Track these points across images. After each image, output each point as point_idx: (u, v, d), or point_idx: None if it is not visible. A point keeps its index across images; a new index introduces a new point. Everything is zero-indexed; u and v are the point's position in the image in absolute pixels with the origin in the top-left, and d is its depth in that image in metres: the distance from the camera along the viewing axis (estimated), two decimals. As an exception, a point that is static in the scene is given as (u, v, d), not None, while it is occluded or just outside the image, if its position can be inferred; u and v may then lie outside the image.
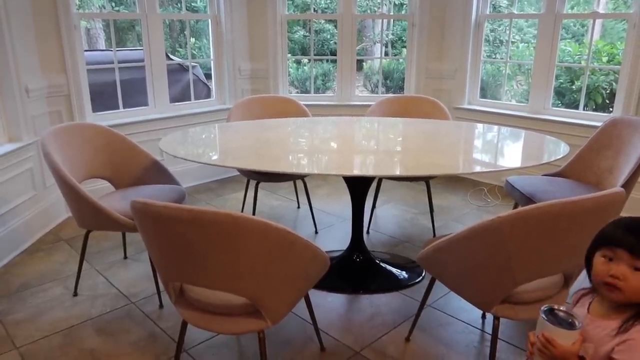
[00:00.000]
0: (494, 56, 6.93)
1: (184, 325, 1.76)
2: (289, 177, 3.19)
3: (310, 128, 3.05)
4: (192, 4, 7.38)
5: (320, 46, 7.71)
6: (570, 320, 1.04)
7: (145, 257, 2.94)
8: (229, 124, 3.16)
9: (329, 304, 2.45)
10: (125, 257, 2.95)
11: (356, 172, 2.35)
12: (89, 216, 2.31)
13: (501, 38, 7.07)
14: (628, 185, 2.38)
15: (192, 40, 7.92)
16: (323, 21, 8.10)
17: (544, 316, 1.04)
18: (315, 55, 5.75)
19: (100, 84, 4.14)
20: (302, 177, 3.18)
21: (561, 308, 1.06)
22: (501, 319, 1.78)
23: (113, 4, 7.29)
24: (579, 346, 1.01)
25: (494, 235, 1.55)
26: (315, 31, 7.93)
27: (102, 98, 4.03)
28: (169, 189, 2.65)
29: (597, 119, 3.59)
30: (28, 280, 2.68)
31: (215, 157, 2.51)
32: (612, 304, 1.04)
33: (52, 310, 2.40)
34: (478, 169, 2.53)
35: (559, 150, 2.37)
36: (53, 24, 3.29)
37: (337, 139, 2.86)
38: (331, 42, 8.28)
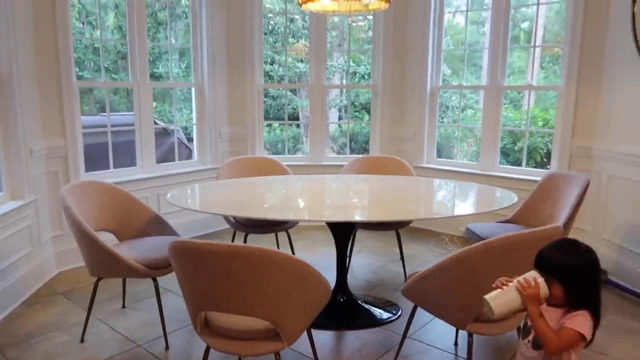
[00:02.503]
0: (447, 120, 7.64)
1: (206, 353, 2.01)
2: (275, 228, 3.51)
3: (295, 184, 3.43)
4: (154, 70, 7.82)
5: (278, 110, 8.22)
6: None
7: (144, 305, 3.15)
8: (221, 181, 3.49)
9: (320, 340, 2.73)
10: (124, 307, 3.13)
11: (340, 218, 2.73)
12: (104, 264, 2.55)
13: (451, 104, 7.82)
14: (566, 227, 2.87)
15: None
16: (281, 88, 8.67)
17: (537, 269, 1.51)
18: (286, 120, 6.24)
19: (89, 145, 4.39)
20: (288, 228, 3.52)
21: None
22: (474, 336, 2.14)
23: (112, 74, 7.69)
24: (541, 300, 1.47)
25: (465, 264, 1.94)
26: (273, 97, 8.47)
27: (89, 159, 4.27)
28: (170, 239, 2.91)
29: (537, 174, 4.16)
30: (32, 330, 2.82)
31: (216, 209, 2.83)
32: None
33: (62, 357, 2.55)
34: (441, 214, 2.97)
35: (510, 199, 2.84)
36: (56, 91, 3.59)
37: (320, 192, 3.25)
38: (289, 106, 8.84)
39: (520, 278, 1.50)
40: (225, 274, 1.75)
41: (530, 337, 1.56)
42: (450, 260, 1.97)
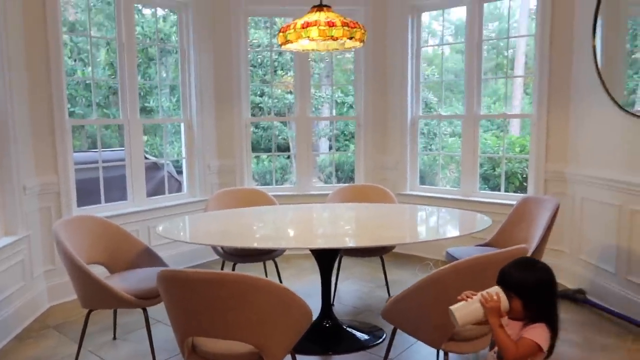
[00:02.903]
0: (430, 148, 7.86)
1: (194, 378, 2.10)
2: (263, 257, 3.61)
3: (282, 214, 3.56)
4: (145, 105, 8.00)
5: (269, 141, 8.40)
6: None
7: (134, 337, 3.22)
8: (210, 212, 3.61)
9: (307, 365, 2.82)
10: (115, 338, 3.20)
11: (324, 245, 2.85)
12: (96, 296, 2.64)
13: (439, 131, 8.06)
14: (539, 248, 3.01)
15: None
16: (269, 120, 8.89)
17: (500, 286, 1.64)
18: (273, 151, 6.38)
19: (80, 180, 4.51)
20: (275, 256, 3.62)
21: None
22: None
23: (103, 109, 7.86)
24: (502, 313, 1.60)
25: (437, 285, 2.07)
26: (263, 128, 8.66)
27: (81, 194, 4.38)
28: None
29: (514, 198, 4.29)
30: (24, 364, 2.89)
31: (205, 239, 2.95)
32: None
33: (54, 387, 2.62)
34: (419, 239, 3.11)
35: (484, 222, 2.99)
36: (48, 129, 3.72)
37: (307, 221, 3.38)
38: (279, 137, 9.04)
39: (484, 292, 1.63)
40: (211, 301, 1.86)
41: (496, 349, 1.68)
42: (423, 282, 2.10)
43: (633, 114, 3.25)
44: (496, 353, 1.68)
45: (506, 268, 1.69)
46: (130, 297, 2.61)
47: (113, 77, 7.02)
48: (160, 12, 6.77)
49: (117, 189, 4.50)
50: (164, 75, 6.90)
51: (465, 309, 1.61)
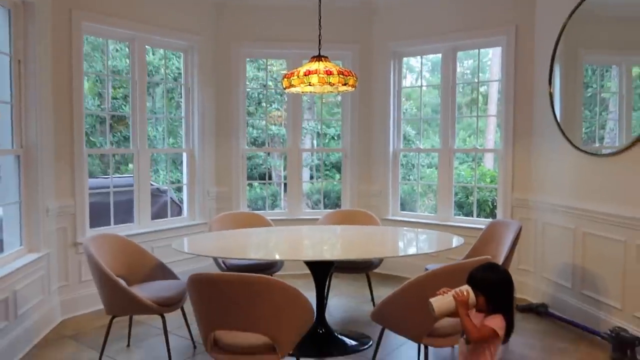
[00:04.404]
0: (408, 177, 8.41)
1: (214, 368, 2.49)
2: (261, 273, 4.01)
3: (278, 234, 4.00)
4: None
5: (252, 169, 8.84)
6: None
7: (146, 345, 3.57)
8: (218, 232, 4.03)
9: (304, 366, 3.21)
10: (129, 345, 3.55)
11: (319, 258, 3.29)
12: (121, 303, 3.02)
13: (413, 162, 8.63)
14: (505, 264, 3.48)
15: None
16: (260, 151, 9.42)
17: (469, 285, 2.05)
18: (267, 179, 6.83)
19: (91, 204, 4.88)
20: (273, 273, 4.02)
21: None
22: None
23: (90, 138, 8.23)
24: (469, 305, 2.02)
25: (418, 288, 2.52)
26: (248, 157, 9.13)
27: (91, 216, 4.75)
28: (175, 283, 3.40)
29: (486, 223, 4.82)
30: (50, 367, 3.22)
31: (213, 253, 3.36)
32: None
33: (80, 385, 2.96)
34: (403, 253, 3.57)
35: (457, 241, 3.48)
36: (68, 158, 4.13)
37: (300, 240, 3.82)
38: (262, 166, 9.50)
39: (457, 289, 2.08)
40: (233, 298, 2.28)
41: (465, 335, 2.12)
42: (407, 285, 2.55)
43: (582, 150, 3.81)
44: (464, 338, 2.13)
45: (474, 270, 2.15)
46: (152, 304, 3.00)
47: (102, 107, 7.42)
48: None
49: (124, 213, 4.87)
50: (156, 105, 7.33)
51: (441, 301, 2.05)
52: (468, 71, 10.46)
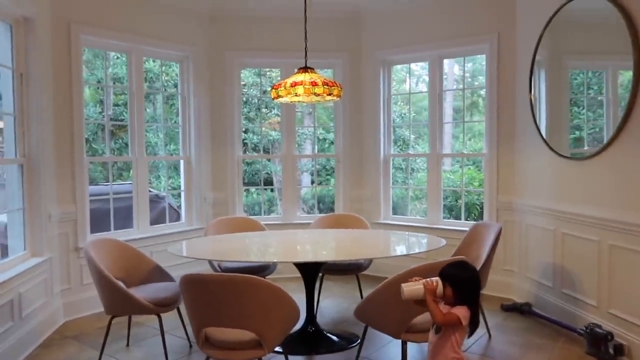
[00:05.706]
0: (396, 180, 8.59)
1: (206, 363, 2.66)
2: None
3: (271, 238, 4.17)
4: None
5: (252, 175, 9.01)
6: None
7: (145, 344, 3.74)
8: (213, 236, 4.20)
9: (294, 363, 3.38)
10: (128, 345, 3.72)
11: (308, 260, 3.47)
12: (120, 303, 3.19)
13: (416, 166, 8.82)
14: (486, 264, 3.66)
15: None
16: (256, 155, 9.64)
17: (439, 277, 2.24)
18: (262, 185, 6.99)
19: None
20: (266, 275, 4.20)
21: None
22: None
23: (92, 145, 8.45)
24: (437, 295, 2.19)
25: (397, 286, 2.68)
26: (248, 163, 9.30)
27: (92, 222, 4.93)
28: (170, 285, 3.57)
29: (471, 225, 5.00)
30: (53, 365, 3.39)
31: (207, 256, 3.53)
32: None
33: (81, 382, 3.13)
34: (386, 255, 3.73)
35: (440, 242, 3.65)
36: (69, 166, 4.31)
37: (295, 242, 3.99)
38: (263, 172, 9.69)
39: (428, 279, 2.26)
40: (223, 297, 2.45)
41: (435, 325, 2.30)
42: (387, 283, 2.72)
43: (559, 154, 3.98)
44: (434, 328, 2.30)
45: (446, 266, 2.32)
46: (149, 304, 3.17)
47: (102, 114, 7.58)
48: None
49: (123, 218, 5.05)
50: (157, 112, 7.54)
51: (412, 287, 2.24)
52: (468, 74, 10.64)
